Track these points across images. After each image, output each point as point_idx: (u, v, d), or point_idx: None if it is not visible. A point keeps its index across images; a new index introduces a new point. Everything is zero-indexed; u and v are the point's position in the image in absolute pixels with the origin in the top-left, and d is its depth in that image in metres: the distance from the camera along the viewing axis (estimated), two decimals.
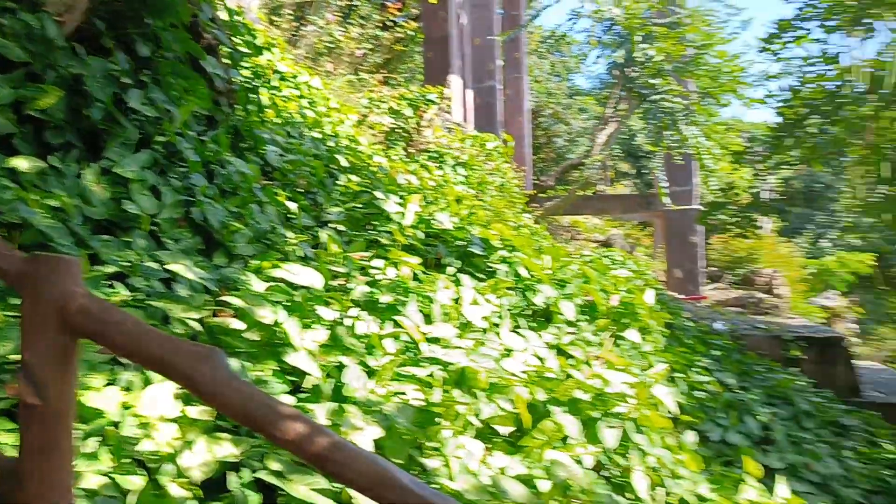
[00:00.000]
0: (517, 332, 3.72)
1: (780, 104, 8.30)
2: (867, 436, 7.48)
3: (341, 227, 4.13)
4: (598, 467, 3.02)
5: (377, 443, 2.40)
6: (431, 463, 2.50)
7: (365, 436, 2.37)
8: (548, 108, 21.46)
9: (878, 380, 12.00)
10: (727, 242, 16.15)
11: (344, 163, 5.01)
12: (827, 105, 7.85)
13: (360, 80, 9.15)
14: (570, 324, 3.98)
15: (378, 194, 4.44)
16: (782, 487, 3.17)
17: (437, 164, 6.99)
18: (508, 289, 3.94)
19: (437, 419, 2.61)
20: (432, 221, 4.33)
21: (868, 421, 8.07)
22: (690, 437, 3.68)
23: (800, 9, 7.36)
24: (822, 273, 18.56)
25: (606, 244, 15.75)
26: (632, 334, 4.12)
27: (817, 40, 7.64)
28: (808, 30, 7.49)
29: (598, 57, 12.92)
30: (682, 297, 13.13)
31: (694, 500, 3.02)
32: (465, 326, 3.54)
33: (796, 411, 6.37)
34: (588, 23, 12.41)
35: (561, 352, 3.77)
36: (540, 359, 3.56)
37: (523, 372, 3.29)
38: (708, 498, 3.10)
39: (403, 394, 2.78)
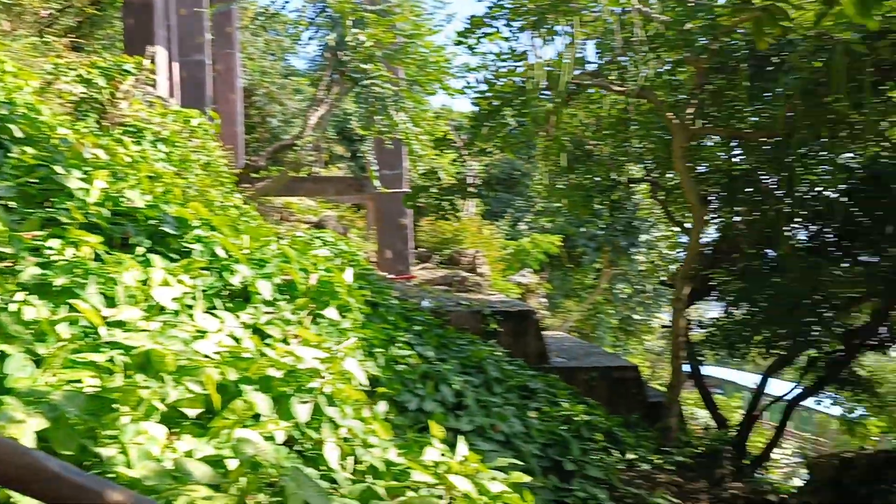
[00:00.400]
0: (212, 314, 3.63)
1: (477, 95, 8.92)
2: (550, 396, 8.37)
3: (12, 204, 3.73)
4: (290, 442, 3.06)
5: (42, 434, 2.22)
6: (108, 452, 2.37)
7: (26, 428, 2.18)
8: (262, 87, 21.05)
9: (562, 347, 13.42)
10: (435, 224, 17.09)
11: (18, 133, 4.51)
12: (516, 99, 8.59)
13: (46, 43, 8.27)
14: (268, 303, 3.97)
15: (58, 169, 4.06)
16: (462, 446, 3.45)
17: (135, 140, 6.57)
18: (203, 269, 3.83)
19: (114, 405, 2.47)
20: (121, 199, 4.07)
21: (551, 383, 9.03)
22: (382, 406, 3.87)
23: (490, 7, 7.97)
24: (519, 253, 20.31)
25: (319, 225, 15.91)
26: (331, 312, 4.22)
27: (507, 38, 8.33)
28: (497, 28, 8.14)
29: (311, 38, 12.91)
30: (393, 276, 13.67)
31: (382, 465, 3.17)
32: (155, 309, 3.38)
33: (487, 378, 6.95)
34: (300, 2, 12.37)
35: (258, 331, 3.75)
36: (235, 339, 3.51)
37: (216, 353, 3.22)
38: (396, 462, 3.27)
39: (79, 381, 2.59)
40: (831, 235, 10.27)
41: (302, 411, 3.07)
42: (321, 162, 20.73)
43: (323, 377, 3.33)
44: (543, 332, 12.68)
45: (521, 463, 4.77)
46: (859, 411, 12.89)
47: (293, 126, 20.82)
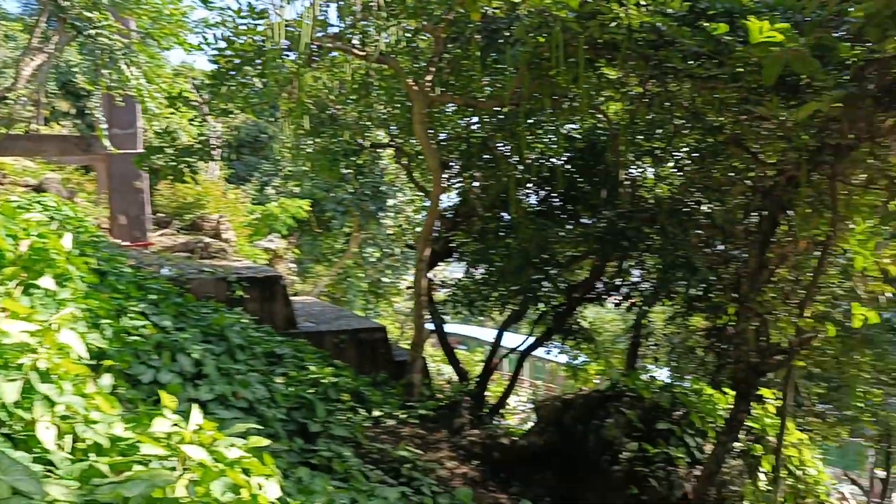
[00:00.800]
0: None
1: (216, 53, 8.52)
2: (297, 361, 8.36)
3: None
4: None
5: None
6: None
7: None
8: None
9: (311, 312, 13.42)
10: (175, 188, 16.17)
11: None
12: (257, 58, 8.33)
13: None
14: None
15: None
16: (196, 415, 3.34)
17: None
18: None
19: None
20: None
21: (299, 348, 9.03)
22: (107, 380, 3.63)
23: None
24: (267, 218, 19.88)
25: (40, 189, 14.37)
26: (46, 282, 3.84)
27: None
28: None
29: None
30: (128, 244, 12.79)
31: (107, 441, 2.99)
32: None
33: (231, 346, 6.77)
34: None
35: None
36: None
37: None
38: (124, 437, 3.10)
39: None
40: (557, 200, 11.18)
41: (9, 390, 2.79)
42: (41, 118, 18.69)
43: (35, 352, 3.05)
44: (292, 298, 12.61)
45: (263, 428, 4.73)
46: (582, 358, 14.26)
47: (4, 77, 18.49)
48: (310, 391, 7.12)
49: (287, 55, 8.28)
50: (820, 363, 11.60)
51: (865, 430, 16.61)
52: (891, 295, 7.55)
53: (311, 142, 11.53)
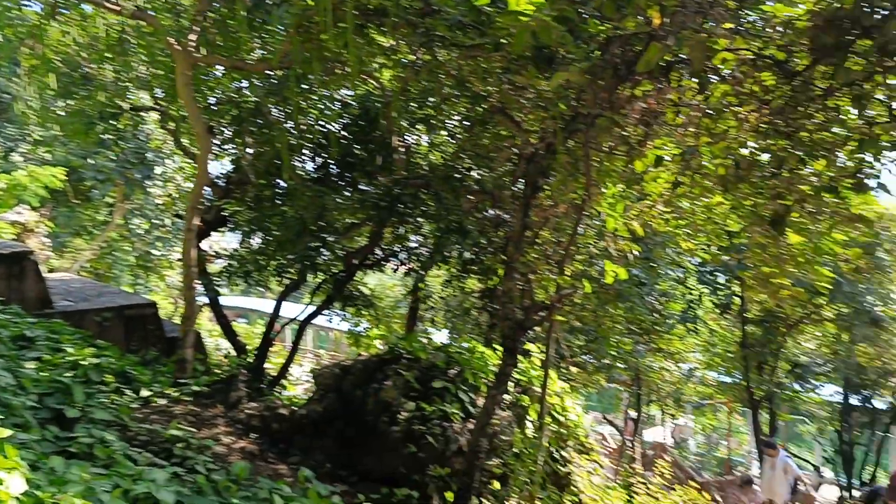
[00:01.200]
0: None
1: None
2: (52, 343, 7.69)
3: None
4: None
5: None
6: None
7: None
8: None
9: (70, 289, 12.36)
10: None
11: None
12: None
13: None
14: None
15: None
16: None
17: None
18: None
19: None
20: None
21: (55, 329, 8.30)
22: None
23: None
24: (13, 188, 17.84)
25: None
26: None
27: None
28: None
29: None
30: None
31: None
32: None
33: None
34: None
35: None
36: None
37: None
38: None
39: None
40: (334, 166, 11.09)
41: None
42: None
43: None
44: (47, 275, 11.56)
45: (8, 418, 4.29)
46: (363, 324, 14.39)
47: None
48: (67, 375, 6.58)
49: (27, 5, 7.44)
50: (579, 317, 12.60)
51: (620, 375, 18.38)
52: (638, 253, 8.31)
53: (63, 103, 10.53)
